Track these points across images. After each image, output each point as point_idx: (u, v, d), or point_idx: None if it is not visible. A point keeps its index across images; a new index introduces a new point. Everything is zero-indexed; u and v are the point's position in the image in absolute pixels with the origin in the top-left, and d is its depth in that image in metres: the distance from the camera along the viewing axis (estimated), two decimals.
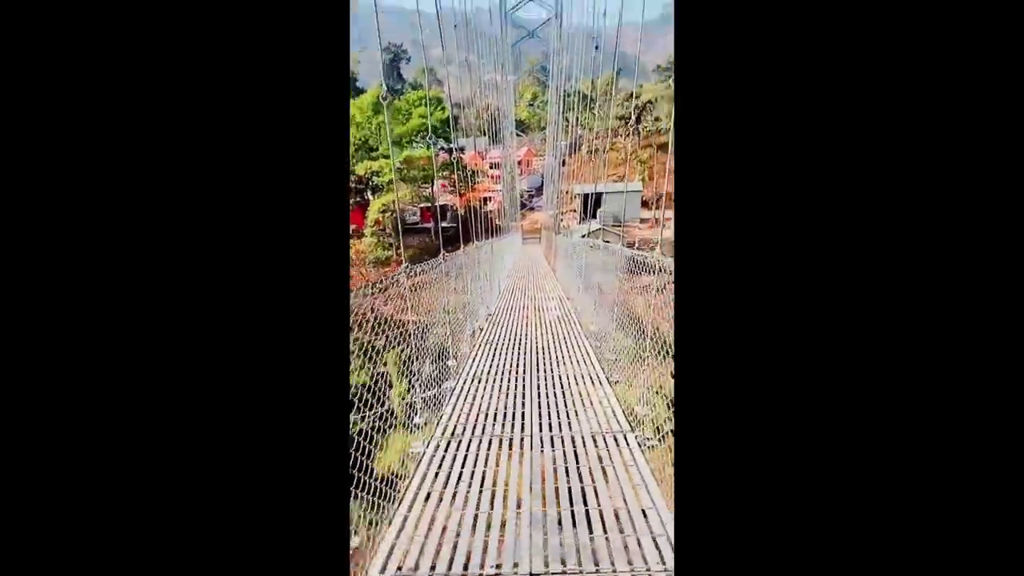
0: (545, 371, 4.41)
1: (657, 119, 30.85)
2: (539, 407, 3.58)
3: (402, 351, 3.66)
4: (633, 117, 28.16)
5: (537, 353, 4.98)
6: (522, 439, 3.07)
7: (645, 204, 26.78)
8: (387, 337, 3.27)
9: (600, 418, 3.28)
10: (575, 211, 25.08)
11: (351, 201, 22.93)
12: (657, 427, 2.82)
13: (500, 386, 4.10)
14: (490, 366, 4.66)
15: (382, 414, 2.58)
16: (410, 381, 3.51)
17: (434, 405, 3.60)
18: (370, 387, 2.53)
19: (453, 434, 3.23)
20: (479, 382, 4.25)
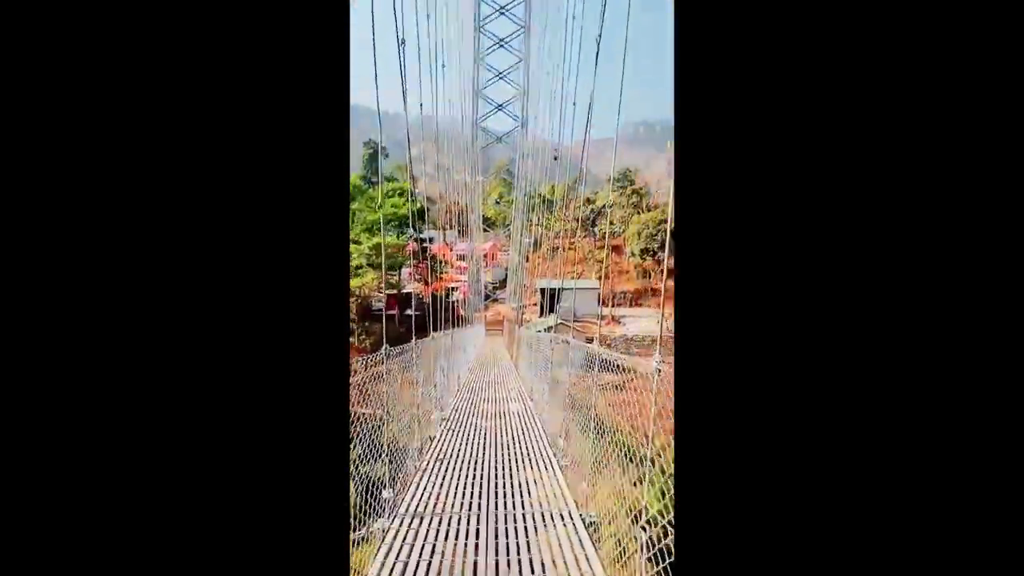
0: (507, 505, 3.62)
1: (611, 223, 33.51)
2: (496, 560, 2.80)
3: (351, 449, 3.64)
4: (590, 220, 30.46)
5: (497, 476, 4.26)
6: None
7: (602, 301, 28.18)
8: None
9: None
10: (536, 305, 26.02)
11: None
12: (617, 540, 2.72)
13: (445, 531, 3.20)
14: (437, 494, 3.81)
15: None
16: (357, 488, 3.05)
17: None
18: None
19: None
20: (419, 523, 3.31)
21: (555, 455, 4.69)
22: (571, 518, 3.29)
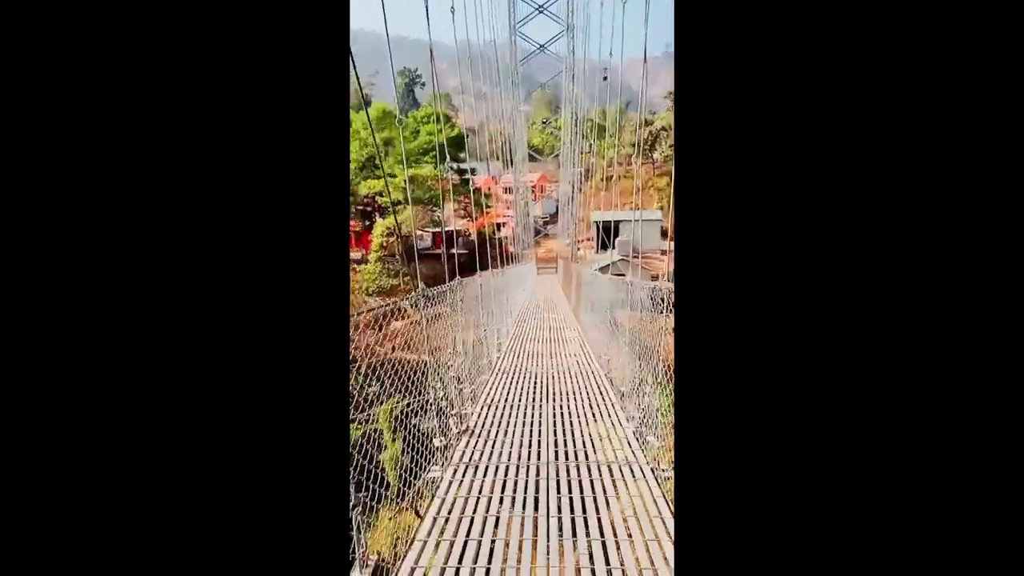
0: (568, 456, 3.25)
1: (671, 146, 31.03)
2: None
3: (398, 402, 3.30)
4: (648, 144, 28.34)
5: (557, 430, 3.70)
6: None
7: (665, 234, 26.53)
8: (382, 383, 2.82)
9: None
10: (591, 240, 24.86)
11: (359, 224, 22.76)
12: None
13: (503, 482, 2.90)
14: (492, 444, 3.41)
15: (368, 487, 2.15)
16: (407, 440, 2.99)
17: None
18: (358, 447, 2.15)
19: None
20: (475, 472, 3.01)
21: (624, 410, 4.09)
22: (643, 473, 2.94)
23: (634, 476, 2.93)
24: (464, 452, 3.38)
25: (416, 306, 3.32)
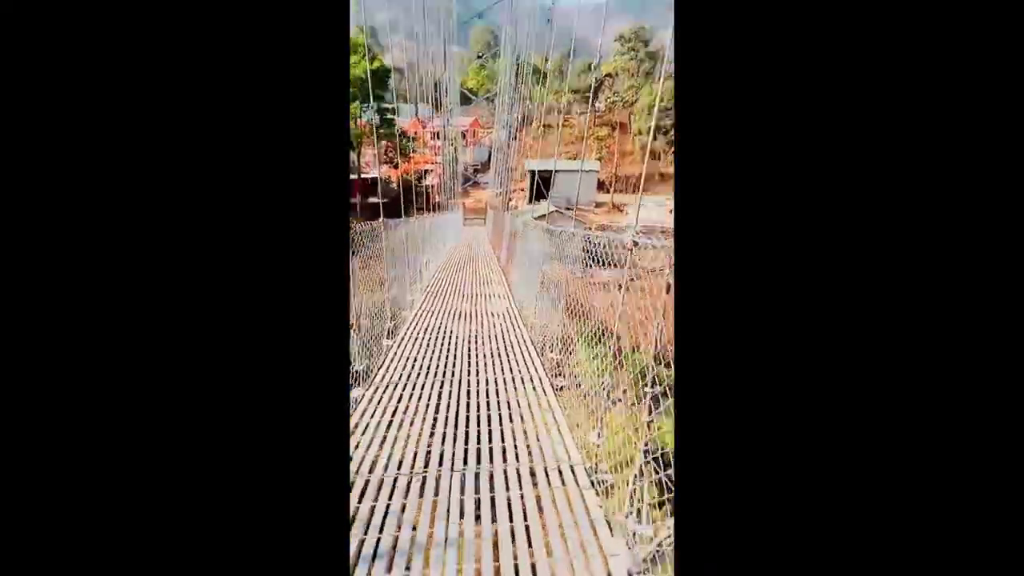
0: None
1: (616, 93, 30.32)
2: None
3: None
4: (590, 91, 27.52)
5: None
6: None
7: (601, 186, 26.18)
8: None
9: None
10: (524, 191, 24.00)
11: None
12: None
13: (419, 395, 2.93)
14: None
15: None
16: None
17: None
18: None
19: None
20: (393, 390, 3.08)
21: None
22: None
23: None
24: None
25: None
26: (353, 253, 3.86)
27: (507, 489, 2.23)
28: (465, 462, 2.49)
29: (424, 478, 2.32)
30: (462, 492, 2.20)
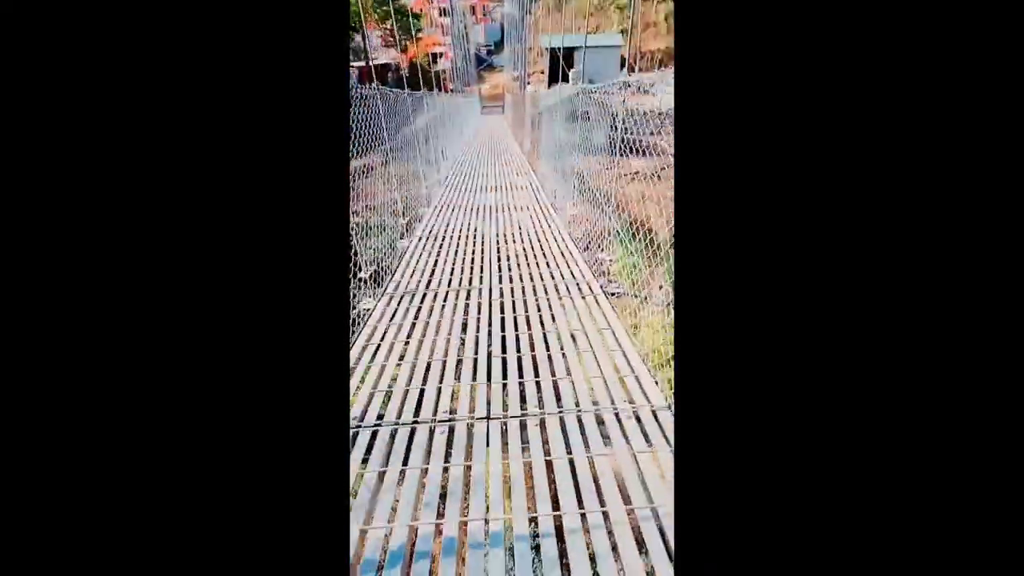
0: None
1: None
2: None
3: None
4: None
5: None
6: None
7: (623, 64, 24.13)
8: None
9: None
10: (543, 72, 22.40)
11: None
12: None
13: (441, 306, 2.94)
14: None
15: None
16: None
17: None
18: None
19: None
20: (410, 300, 3.03)
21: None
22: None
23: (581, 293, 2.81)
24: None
25: None
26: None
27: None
28: (505, 408, 1.99)
29: (451, 428, 1.88)
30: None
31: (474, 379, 2.22)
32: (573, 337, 2.53)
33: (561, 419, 1.92)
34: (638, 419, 1.90)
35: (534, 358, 2.36)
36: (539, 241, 4.22)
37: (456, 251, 4.01)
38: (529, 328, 2.67)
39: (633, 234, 2.82)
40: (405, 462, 1.77)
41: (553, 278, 3.37)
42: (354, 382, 2.27)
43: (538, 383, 2.16)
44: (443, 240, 4.34)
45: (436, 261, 3.79)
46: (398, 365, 2.37)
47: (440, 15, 22.06)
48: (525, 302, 3.00)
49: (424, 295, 3.14)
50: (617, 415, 1.93)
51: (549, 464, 1.70)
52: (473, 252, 3.98)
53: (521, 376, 2.21)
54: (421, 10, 20.53)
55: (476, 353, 2.44)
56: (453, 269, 3.57)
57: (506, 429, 1.89)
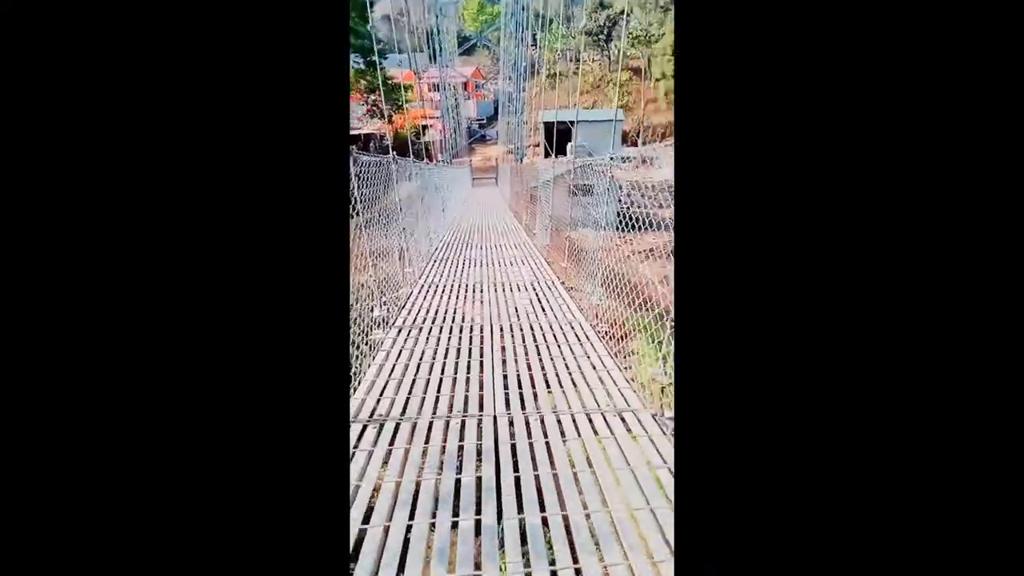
0: None
1: (631, 34, 27.82)
2: None
3: None
4: (603, 33, 25.13)
5: None
6: None
7: (625, 138, 24.01)
8: None
9: None
10: (538, 146, 22.03)
11: None
12: None
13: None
14: None
15: None
16: None
17: None
18: None
19: None
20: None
21: None
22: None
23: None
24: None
25: None
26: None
27: None
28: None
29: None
30: None
31: None
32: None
33: None
34: None
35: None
36: (557, 342, 3.22)
37: (447, 350, 3.11)
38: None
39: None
40: None
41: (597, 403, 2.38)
42: None
43: None
44: (430, 330, 3.50)
45: (419, 364, 2.91)
46: None
47: (430, 90, 21.93)
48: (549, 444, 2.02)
49: (398, 424, 2.19)
50: None
51: None
52: (470, 354, 3.05)
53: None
54: (410, 85, 20.35)
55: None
56: (441, 383, 2.64)
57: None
